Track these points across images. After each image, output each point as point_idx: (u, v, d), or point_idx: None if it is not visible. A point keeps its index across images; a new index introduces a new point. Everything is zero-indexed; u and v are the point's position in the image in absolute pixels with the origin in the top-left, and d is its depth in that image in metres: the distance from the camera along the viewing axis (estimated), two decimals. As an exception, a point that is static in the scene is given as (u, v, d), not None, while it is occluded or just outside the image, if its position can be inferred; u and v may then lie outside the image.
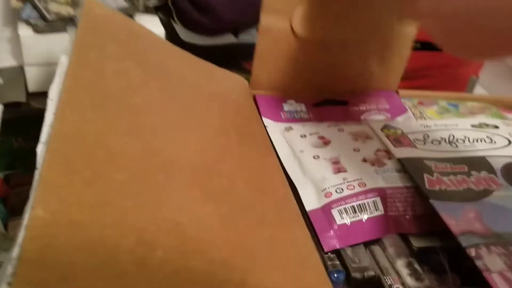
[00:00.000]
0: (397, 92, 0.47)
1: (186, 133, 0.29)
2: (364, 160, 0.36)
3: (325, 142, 0.38)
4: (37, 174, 0.20)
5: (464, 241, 0.28)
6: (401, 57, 0.45)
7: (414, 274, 0.30)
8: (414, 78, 0.69)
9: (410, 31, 0.44)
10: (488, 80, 0.76)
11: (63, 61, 0.29)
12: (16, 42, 0.48)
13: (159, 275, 0.19)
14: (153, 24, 0.53)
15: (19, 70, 0.48)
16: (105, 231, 0.19)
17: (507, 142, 0.38)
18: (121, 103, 0.28)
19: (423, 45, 0.68)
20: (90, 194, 0.20)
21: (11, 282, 0.16)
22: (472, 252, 0.28)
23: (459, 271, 0.31)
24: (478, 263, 0.27)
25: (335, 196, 0.33)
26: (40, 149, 0.22)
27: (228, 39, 0.59)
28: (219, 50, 0.57)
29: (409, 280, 0.30)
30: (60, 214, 0.18)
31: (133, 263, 0.19)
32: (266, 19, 0.40)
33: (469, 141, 0.38)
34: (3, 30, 0.54)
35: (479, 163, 0.35)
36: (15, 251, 0.17)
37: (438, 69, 0.71)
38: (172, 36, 0.57)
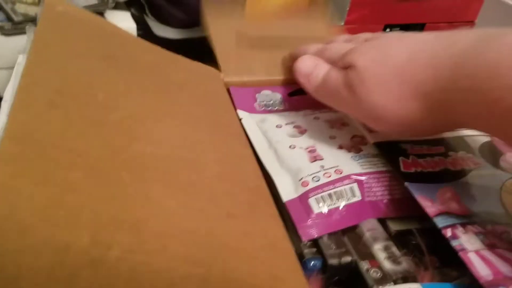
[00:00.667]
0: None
1: (154, 127, 0.29)
2: (340, 147, 0.36)
3: (301, 131, 0.37)
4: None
5: (440, 222, 0.28)
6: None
7: (392, 257, 0.30)
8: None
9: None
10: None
11: (20, 61, 0.28)
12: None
13: (115, 275, 0.18)
14: (125, 20, 0.52)
15: (-13, 74, 0.47)
16: (56, 232, 0.18)
17: (484, 120, 0.38)
18: (83, 101, 0.27)
19: (402, 28, 0.67)
20: (40, 195, 0.19)
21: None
22: (448, 233, 0.27)
23: (438, 252, 0.30)
24: (454, 243, 0.27)
25: (312, 184, 0.33)
26: (-9, 151, 0.21)
27: (202, 32, 0.58)
28: (193, 43, 0.56)
29: (387, 264, 0.29)
30: (8, 218, 0.18)
31: (86, 265, 0.18)
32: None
33: (446, 121, 0.37)
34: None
35: (457, 143, 0.35)
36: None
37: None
38: (145, 31, 0.56)
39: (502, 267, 0.26)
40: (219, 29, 0.41)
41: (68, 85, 0.27)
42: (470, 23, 0.69)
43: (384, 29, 0.66)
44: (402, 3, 0.64)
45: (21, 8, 0.48)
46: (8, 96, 0.25)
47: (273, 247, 0.25)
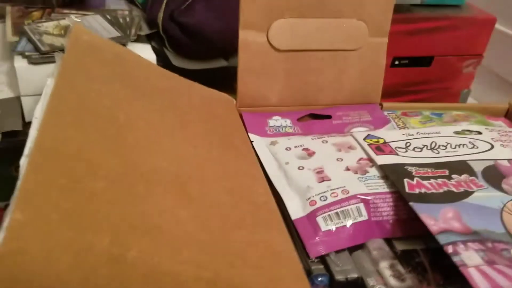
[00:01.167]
0: (381, 105, 0.48)
1: (168, 145, 0.31)
2: (347, 169, 0.37)
3: (310, 154, 0.39)
4: (18, 183, 0.22)
5: (442, 240, 0.29)
6: (379, 66, 0.47)
7: (397, 274, 0.31)
8: (404, 94, 0.70)
9: (382, 40, 0.46)
10: (480, 92, 0.77)
11: (49, 83, 0.30)
12: (13, 74, 0.50)
13: (131, 273, 0.20)
14: (145, 52, 0.54)
15: (16, 101, 0.50)
16: (79, 233, 0.20)
17: (489, 146, 0.39)
18: (104, 121, 0.29)
19: (410, 61, 0.69)
20: (66, 200, 0.21)
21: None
22: (450, 249, 0.28)
23: (442, 270, 0.31)
24: (455, 259, 0.28)
25: (319, 204, 0.34)
26: (22, 161, 0.23)
27: (219, 63, 0.60)
28: (210, 73, 0.59)
29: (392, 281, 0.30)
30: (35, 221, 0.19)
31: (105, 263, 0.19)
32: (244, 35, 0.42)
33: (451, 147, 0.39)
34: (1, 65, 0.56)
35: (460, 167, 0.36)
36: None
37: (427, 84, 0.72)
38: (164, 63, 0.59)
39: (501, 281, 0.26)
40: (247, 59, 0.44)
41: (91, 107, 0.29)
42: (478, 56, 0.71)
43: (393, 62, 0.68)
44: (411, 36, 0.66)
45: (48, 39, 0.51)
46: (38, 113, 0.27)
47: (278, 257, 0.26)
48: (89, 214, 0.21)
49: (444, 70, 0.71)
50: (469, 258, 0.28)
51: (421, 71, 0.70)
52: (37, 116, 0.27)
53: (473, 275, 0.27)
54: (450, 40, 0.68)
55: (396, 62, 0.68)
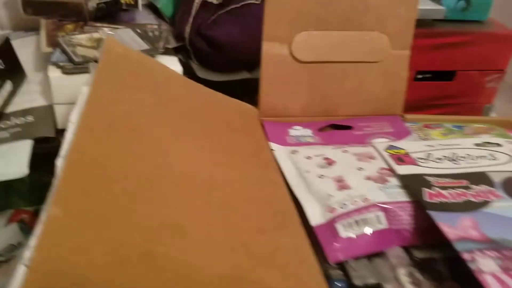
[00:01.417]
0: (403, 117, 0.49)
1: (194, 152, 0.32)
2: (368, 178, 0.38)
3: (330, 163, 0.40)
4: (55, 181, 0.23)
5: (459, 247, 0.30)
6: (401, 78, 0.47)
7: (415, 281, 0.31)
8: (427, 108, 0.71)
9: (405, 53, 0.47)
10: (502, 107, 0.77)
11: (84, 91, 0.32)
12: (46, 84, 0.53)
13: (161, 266, 0.21)
14: (172, 64, 0.56)
15: (49, 109, 0.52)
16: (112, 229, 0.21)
17: (508, 158, 0.40)
18: (133, 128, 0.31)
19: (434, 75, 0.70)
20: (99, 198, 0.23)
21: (27, 265, 0.18)
22: (467, 256, 0.29)
23: (459, 280, 0.32)
24: (472, 265, 0.28)
25: (339, 211, 0.35)
26: (59, 162, 0.25)
27: (242, 75, 0.62)
28: (233, 85, 0.60)
29: (409, 287, 0.31)
30: (72, 214, 0.21)
31: (137, 256, 0.21)
32: (268, 46, 0.44)
33: (471, 158, 0.39)
34: (35, 75, 0.59)
35: (479, 178, 0.37)
36: (32, 241, 0.19)
37: (450, 99, 0.72)
38: (190, 75, 0.60)
39: (518, 289, 0.27)
40: (270, 70, 0.45)
41: (121, 114, 0.31)
42: (500, 71, 0.71)
43: (416, 75, 0.68)
44: (434, 50, 0.66)
45: (81, 51, 0.54)
46: (74, 119, 0.29)
47: (301, 262, 0.27)
48: (120, 212, 0.23)
49: (466, 85, 0.71)
50: (485, 265, 0.28)
51: (444, 86, 0.71)
52: (73, 121, 0.29)
53: (489, 281, 0.27)
54: (472, 55, 0.69)
55: (420, 76, 0.69)
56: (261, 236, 0.27)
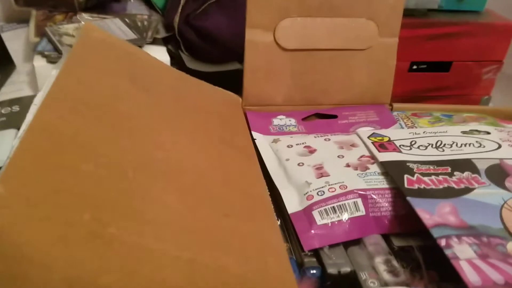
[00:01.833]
0: (391, 106, 0.48)
1: (166, 137, 0.31)
2: (348, 165, 0.37)
3: (311, 151, 0.39)
4: (6, 161, 0.22)
5: (435, 233, 0.29)
6: (389, 66, 0.46)
7: (391, 270, 0.30)
8: (422, 100, 0.69)
9: (393, 41, 0.46)
10: (501, 99, 0.76)
11: (53, 74, 0.31)
12: (34, 74, 0.52)
13: (108, 247, 0.20)
14: (160, 53, 0.56)
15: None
16: (59, 208, 0.21)
17: (496, 146, 0.38)
18: (103, 110, 0.30)
19: (429, 66, 0.68)
20: (52, 178, 0.22)
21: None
22: (443, 242, 0.28)
23: (439, 269, 0.30)
24: (447, 251, 0.27)
25: (316, 198, 0.34)
26: (15, 142, 0.24)
27: (233, 65, 0.61)
28: (224, 75, 0.60)
29: (386, 276, 0.30)
30: (17, 193, 0.20)
31: (84, 236, 0.20)
32: (251, 34, 0.43)
33: (456, 145, 0.38)
34: (24, 66, 0.58)
35: (464, 165, 0.36)
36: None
37: (446, 90, 0.71)
38: (179, 65, 0.60)
39: (493, 275, 0.26)
40: (254, 58, 0.44)
41: (92, 96, 0.30)
42: (498, 62, 0.69)
43: (411, 66, 0.67)
44: (429, 41, 0.65)
45: (67, 40, 0.53)
46: (38, 101, 0.28)
47: (264, 246, 0.26)
48: (73, 192, 0.22)
49: (463, 76, 0.70)
50: (462, 252, 0.27)
51: (439, 77, 0.69)
52: (36, 102, 0.28)
53: (464, 267, 0.26)
54: (468, 46, 0.67)
55: (414, 67, 0.68)
56: (226, 220, 0.26)
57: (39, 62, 0.50)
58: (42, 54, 0.51)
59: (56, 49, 0.52)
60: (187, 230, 0.24)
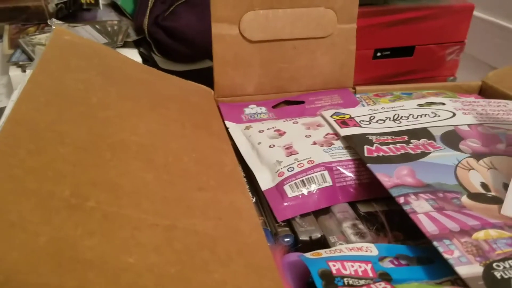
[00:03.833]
0: (354, 89, 0.50)
1: (140, 124, 0.33)
2: (314, 143, 0.39)
3: (281, 134, 0.41)
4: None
5: (394, 192, 0.31)
6: (349, 51, 0.49)
7: (358, 232, 0.33)
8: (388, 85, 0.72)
9: (351, 26, 0.48)
10: (466, 78, 0.79)
11: (27, 73, 0.33)
12: (10, 85, 0.54)
13: (88, 218, 0.22)
14: (132, 56, 0.58)
15: (12, 107, 0.53)
16: (42, 184, 0.22)
17: (451, 114, 0.41)
18: (76, 102, 0.32)
19: (392, 52, 0.71)
20: (32, 160, 0.24)
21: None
22: (401, 200, 0.30)
23: (404, 230, 0.33)
24: (406, 207, 0.30)
25: (287, 174, 0.36)
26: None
27: (205, 63, 0.63)
28: (196, 74, 0.62)
29: (353, 238, 0.32)
30: (3, 173, 0.22)
31: (64, 208, 0.22)
32: (217, 28, 0.45)
33: (413, 117, 0.41)
34: (1, 78, 0.60)
35: (420, 133, 0.38)
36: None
37: (411, 74, 0.74)
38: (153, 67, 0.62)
39: (448, 224, 0.28)
40: (222, 51, 0.46)
41: (65, 90, 0.32)
42: (460, 43, 0.73)
43: (375, 54, 0.70)
44: (390, 27, 0.68)
45: (40, 49, 0.55)
46: (14, 97, 0.30)
47: (237, 212, 0.28)
48: (53, 171, 0.24)
49: (427, 59, 0.73)
50: (419, 206, 0.30)
51: (404, 62, 0.72)
52: (13, 99, 0.30)
53: (422, 219, 0.29)
54: (430, 29, 0.71)
55: (378, 54, 0.71)
56: (200, 193, 0.28)
57: (15, 72, 0.52)
58: (17, 64, 0.53)
59: (30, 58, 0.53)
60: (164, 201, 0.26)
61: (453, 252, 0.26)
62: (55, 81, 0.33)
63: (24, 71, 0.52)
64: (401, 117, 0.41)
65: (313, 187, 0.35)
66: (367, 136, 0.38)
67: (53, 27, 0.57)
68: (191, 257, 0.23)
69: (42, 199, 0.22)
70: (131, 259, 0.21)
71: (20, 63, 0.53)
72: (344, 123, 0.40)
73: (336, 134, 0.40)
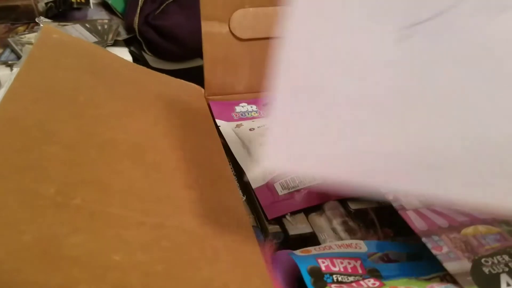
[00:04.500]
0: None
1: (128, 123, 0.33)
2: (305, 140, 0.39)
3: (271, 130, 0.41)
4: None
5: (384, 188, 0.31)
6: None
7: (348, 229, 0.33)
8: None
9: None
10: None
11: (14, 71, 0.33)
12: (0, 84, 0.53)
13: (74, 216, 0.22)
14: (122, 54, 0.57)
15: (1, 106, 0.53)
16: (27, 182, 0.22)
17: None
18: (65, 100, 0.32)
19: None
20: (18, 158, 0.23)
21: None
22: (390, 196, 0.30)
23: (394, 227, 0.33)
24: (395, 204, 0.30)
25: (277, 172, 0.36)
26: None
27: (195, 62, 0.63)
28: (187, 72, 0.62)
29: (343, 235, 0.32)
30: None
31: (50, 206, 0.22)
32: (207, 26, 0.45)
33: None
34: (-11, 78, 0.59)
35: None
36: None
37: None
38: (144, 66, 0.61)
39: (437, 220, 0.28)
40: (212, 49, 0.46)
41: (53, 88, 0.32)
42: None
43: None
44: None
45: (28, 48, 0.54)
46: (0, 95, 0.30)
47: (226, 210, 0.28)
48: (39, 170, 0.24)
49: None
50: (408, 203, 0.30)
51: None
52: None
53: (411, 216, 0.29)
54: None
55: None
56: (188, 191, 0.28)
57: (4, 71, 0.51)
58: (6, 63, 0.52)
59: (19, 58, 0.53)
60: (152, 200, 0.26)
61: (442, 248, 0.26)
62: (43, 80, 0.32)
63: (13, 70, 0.51)
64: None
65: (303, 186, 0.35)
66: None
67: (41, 25, 0.56)
68: (178, 255, 0.23)
69: (27, 197, 0.22)
70: (117, 257, 0.21)
71: (9, 62, 0.52)
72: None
73: (327, 131, 0.40)
